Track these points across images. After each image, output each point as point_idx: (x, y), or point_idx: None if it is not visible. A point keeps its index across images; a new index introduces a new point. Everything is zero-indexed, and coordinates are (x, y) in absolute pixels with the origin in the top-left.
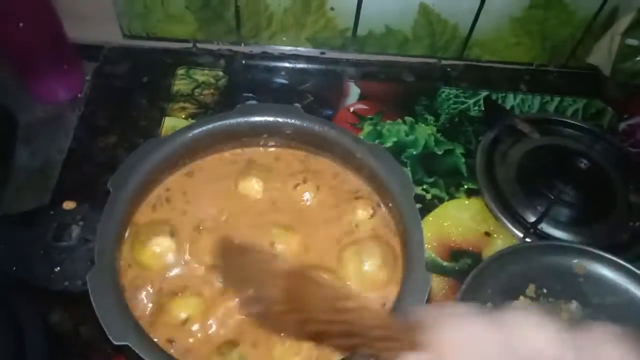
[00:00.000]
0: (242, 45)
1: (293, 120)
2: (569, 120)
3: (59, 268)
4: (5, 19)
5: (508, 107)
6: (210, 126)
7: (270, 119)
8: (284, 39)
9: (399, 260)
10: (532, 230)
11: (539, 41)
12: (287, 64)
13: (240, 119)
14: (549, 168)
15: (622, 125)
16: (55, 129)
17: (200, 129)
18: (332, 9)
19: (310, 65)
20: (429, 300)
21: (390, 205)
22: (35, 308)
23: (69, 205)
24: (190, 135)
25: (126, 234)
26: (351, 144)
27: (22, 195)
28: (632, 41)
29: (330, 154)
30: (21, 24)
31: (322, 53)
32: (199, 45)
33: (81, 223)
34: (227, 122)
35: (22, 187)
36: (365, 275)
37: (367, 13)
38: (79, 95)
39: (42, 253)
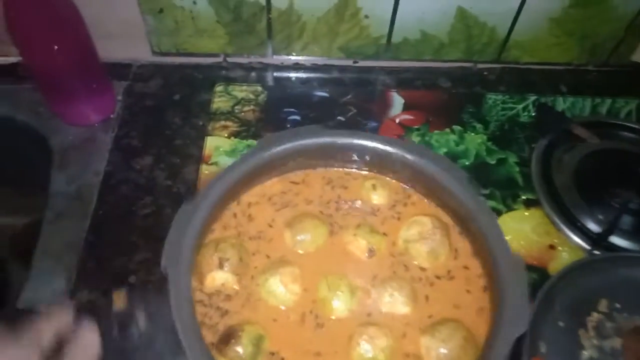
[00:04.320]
0: (273, 57)
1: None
2: (624, 123)
3: None
4: (41, 43)
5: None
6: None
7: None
8: (316, 49)
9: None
10: (600, 242)
11: (578, 40)
12: (320, 74)
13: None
14: (609, 174)
15: None
16: (90, 152)
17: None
18: (366, 16)
19: (343, 75)
20: None
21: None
22: None
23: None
24: (225, 189)
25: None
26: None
27: (60, 222)
28: None
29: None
30: (56, 47)
31: (355, 62)
32: (229, 59)
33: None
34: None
35: (60, 214)
36: None
37: (402, 20)
38: (112, 115)
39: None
